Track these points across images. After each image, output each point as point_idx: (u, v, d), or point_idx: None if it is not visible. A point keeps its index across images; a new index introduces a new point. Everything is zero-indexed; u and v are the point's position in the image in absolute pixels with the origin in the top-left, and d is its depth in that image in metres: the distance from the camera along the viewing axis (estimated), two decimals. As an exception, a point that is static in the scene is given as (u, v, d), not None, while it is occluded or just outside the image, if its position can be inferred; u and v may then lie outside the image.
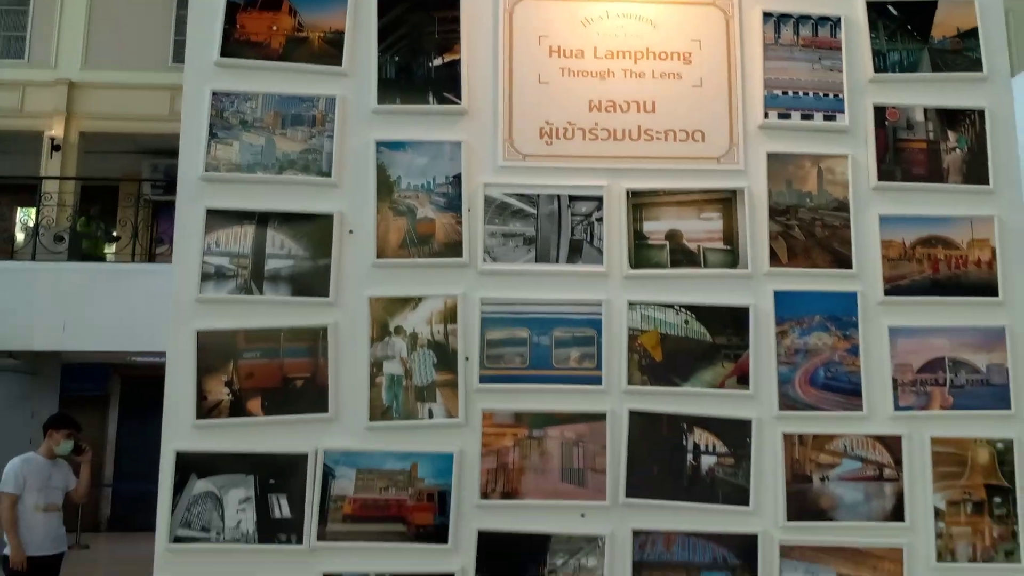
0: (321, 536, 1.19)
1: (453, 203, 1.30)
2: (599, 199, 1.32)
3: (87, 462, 5.40)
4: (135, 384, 11.80)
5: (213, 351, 1.21)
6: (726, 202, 1.33)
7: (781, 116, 1.35)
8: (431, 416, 1.24)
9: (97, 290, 8.30)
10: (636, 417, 1.27)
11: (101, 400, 11.43)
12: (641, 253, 1.32)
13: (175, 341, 1.21)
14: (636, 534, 1.23)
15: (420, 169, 1.31)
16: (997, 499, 1.28)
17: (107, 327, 8.33)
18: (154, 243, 10.81)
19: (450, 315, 1.26)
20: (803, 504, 1.26)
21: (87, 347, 8.59)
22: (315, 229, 1.25)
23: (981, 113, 1.36)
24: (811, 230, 1.33)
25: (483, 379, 1.26)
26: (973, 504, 1.28)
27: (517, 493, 1.24)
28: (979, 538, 1.27)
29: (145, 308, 8.22)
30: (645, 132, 1.35)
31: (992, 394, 1.30)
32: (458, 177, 1.31)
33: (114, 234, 10.13)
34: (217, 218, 1.24)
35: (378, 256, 1.27)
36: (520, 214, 1.32)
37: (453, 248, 1.28)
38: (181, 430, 1.20)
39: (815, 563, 1.25)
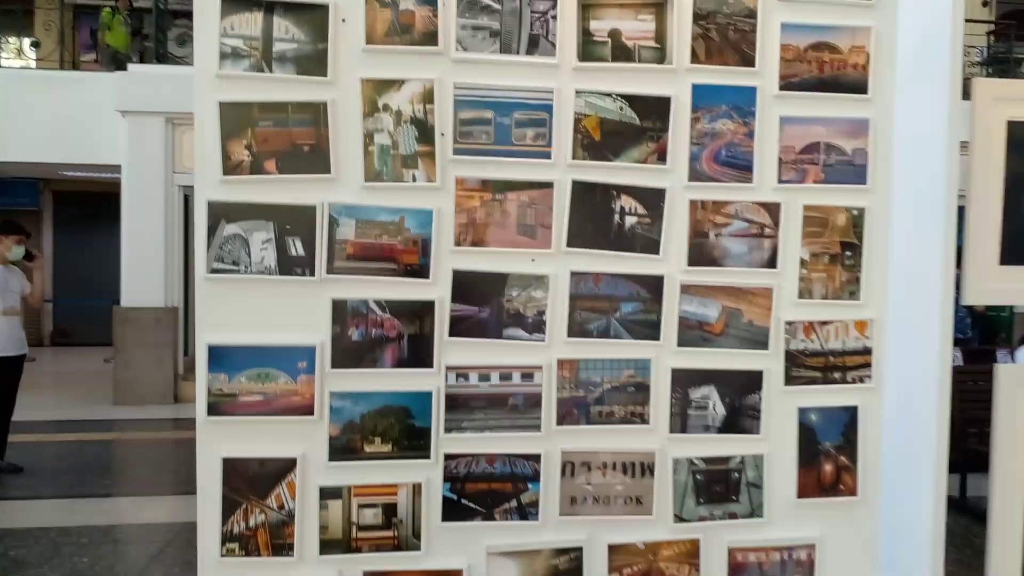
0: (330, 271, 1.51)
1: (430, -1, 1.53)
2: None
3: (39, 268, 5.59)
4: (68, 199, 11.65)
5: (233, 119, 1.45)
6: (659, 6, 1.59)
7: (710, -68, 1.59)
8: (415, 180, 1.53)
9: (24, 98, 8.03)
10: (577, 185, 1.58)
11: (34, 215, 11.30)
12: (587, 48, 1.58)
13: (201, 111, 1.44)
14: (573, 273, 1.59)
15: (400, -34, 1.52)
16: (848, 253, 1.68)
17: (36, 137, 8.15)
18: (78, 50, 10.28)
19: (428, 96, 1.52)
20: (700, 253, 1.63)
21: (16, 158, 8.42)
22: (314, 17, 1.47)
23: (874, -64, 1.62)
24: (725, 33, 1.61)
25: (456, 151, 1.54)
26: (830, 256, 1.67)
27: (483, 242, 1.56)
28: (831, 282, 1.67)
29: (77, 118, 8.04)
30: (594, -58, 1.57)
31: (854, 172, 1.66)
32: (433, -24, 1.52)
33: (33, 41, 9.60)
34: (230, 5, 1.44)
35: (367, 43, 1.50)
36: (487, 9, 1.55)
37: (430, 37, 1.52)
38: (210, 184, 1.47)
39: (707, 298, 1.64)
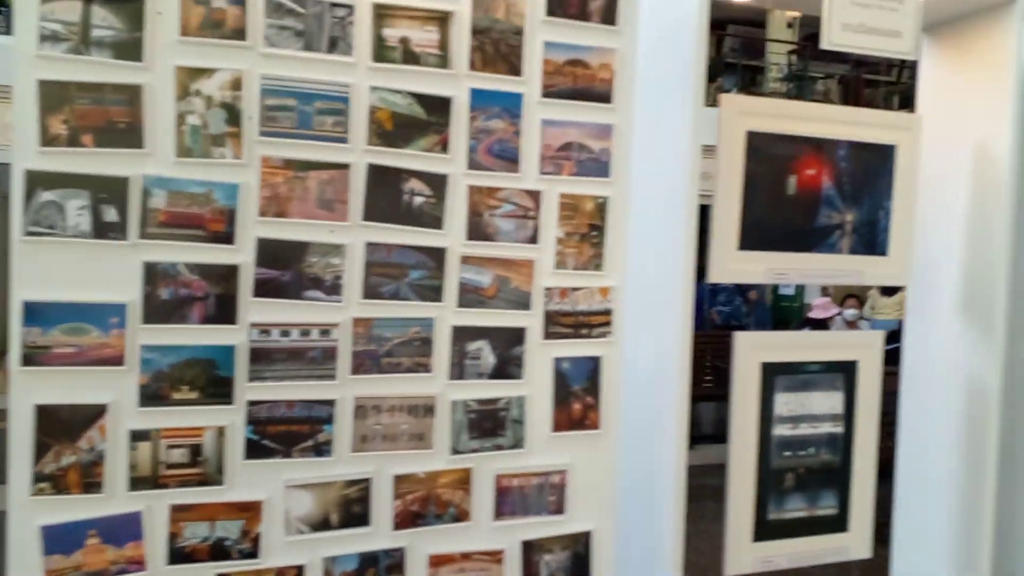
0: (142, 236, 1.69)
1: (240, -1, 1.73)
2: (351, 7, 1.81)
3: None
4: None
5: (52, 96, 1.59)
6: (442, 20, 1.88)
7: (485, -39, 1.90)
8: (223, 157, 1.74)
9: None
10: (372, 168, 1.85)
11: None
12: (381, 51, 1.84)
13: (21, 87, 1.58)
14: (368, 244, 1.86)
15: (212, -32, 1.72)
16: (595, 233, 2.05)
17: None
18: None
19: (237, 84, 1.73)
20: (477, 230, 1.94)
21: None
22: (131, 8, 1.64)
23: (618, -23, 2.00)
24: (498, 47, 1.93)
25: (262, 133, 1.76)
26: (580, 235, 2.03)
27: (286, 214, 1.79)
28: (581, 256, 2.04)
29: None
30: (388, -40, 1.84)
31: (600, 168, 2.04)
32: (243, -22, 1.73)
33: None
34: (48, -9, 1.59)
35: (181, 34, 1.69)
36: (292, 12, 1.78)
37: (239, 33, 1.73)
38: (28, 155, 1.60)
39: (481, 267, 1.96)
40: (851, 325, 5.98)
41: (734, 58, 9.29)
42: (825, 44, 2.31)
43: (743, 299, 7.25)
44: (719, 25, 9.66)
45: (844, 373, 2.50)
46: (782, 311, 7.93)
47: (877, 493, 2.74)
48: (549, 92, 1.97)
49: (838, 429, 2.49)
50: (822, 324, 5.98)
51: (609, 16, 2.00)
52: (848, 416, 2.49)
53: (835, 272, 2.50)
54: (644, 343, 2.38)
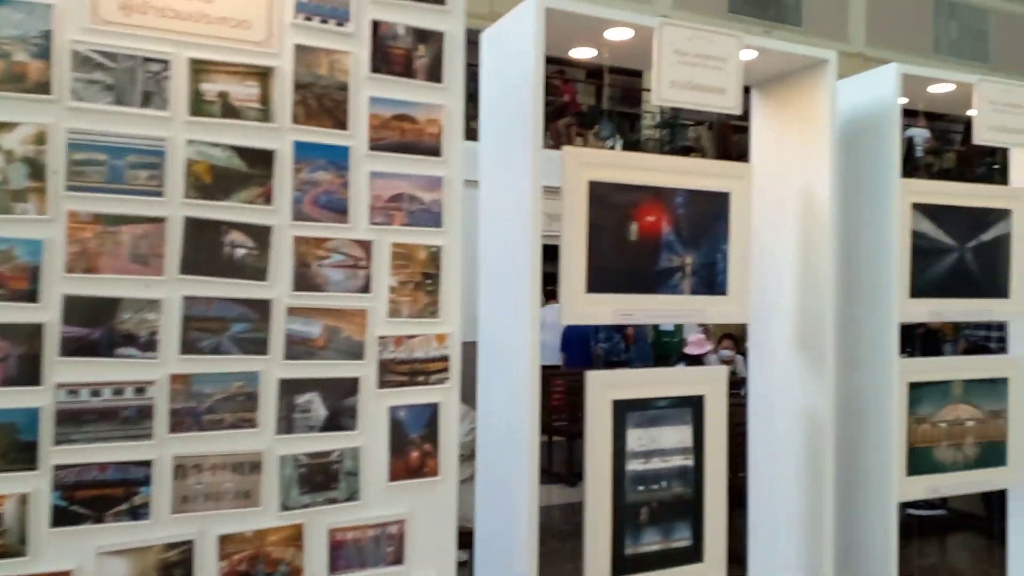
0: (-70, 295, 1.61)
1: (44, 53, 1.70)
2: (167, 62, 1.81)
3: None
4: None
5: None
6: (264, 75, 1.90)
7: (307, 18, 1.94)
8: (25, 213, 1.69)
9: None
10: (189, 220, 1.83)
11: None
12: (198, 105, 1.84)
13: None
14: (186, 298, 1.83)
15: (16, 23, 1.68)
16: (429, 281, 2.08)
17: None
18: None
19: (41, 139, 1.69)
20: (304, 280, 1.94)
21: None
22: (-83, 61, 1.59)
23: (443, 34, 2.07)
24: (322, 102, 1.95)
25: (69, 187, 1.72)
26: (414, 284, 2.05)
27: (96, 270, 1.74)
28: (416, 304, 2.06)
29: None
30: (205, 16, 1.85)
31: (432, 218, 2.07)
32: (49, 32, 1.71)
33: None
34: None
35: (-22, 88, 1.64)
36: (103, 67, 1.76)
37: (43, 87, 1.69)
38: None
39: (310, 318, 1.95)
40: (725, 364, 6.22)
41: (611, 106, 9.69)
42: (655, 100, 2.45)
43: (622, 336, 7.44)
44: (597, 74, 10.07)
45: (692, 407, 2.59)
46: (663, 346, 8.18)
47: (737, 521, 2.84)
48: (377, 145, 2.00)
49: (688, 462, 2.57)
50: (698, 360, 6.19)
51: (435, 74, 2.06)
52: (698, 449, 2.57)
53: (679, 311, 2.61)
54: (498, 386, 2.42)
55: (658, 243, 2.51)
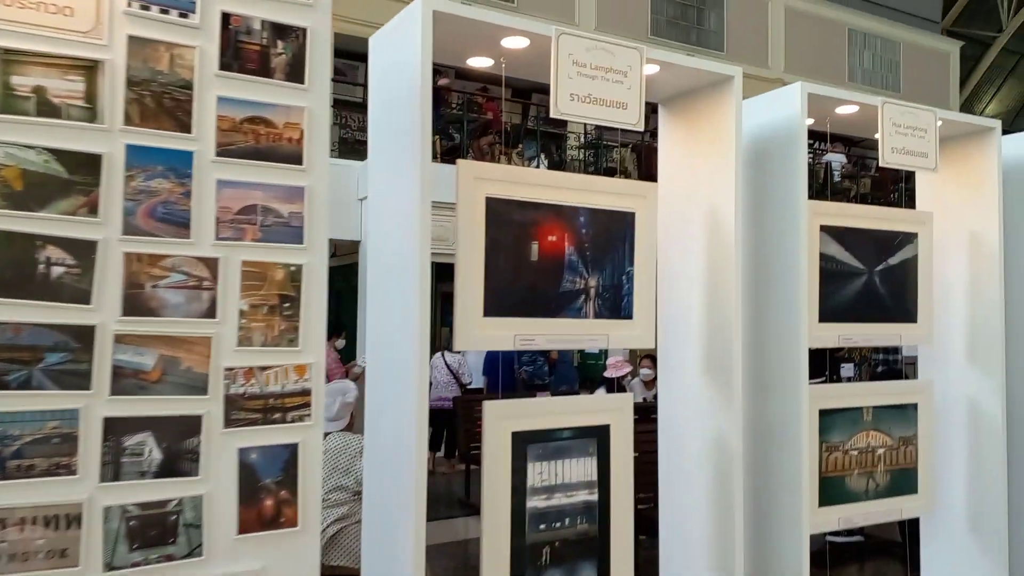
0: None
1: None
2: (-33, 51, 1.56)
3: None
4: None
5: None
6: (89, 69, 1.66)
7: (143, 7, 1.71)
8: None
9: None
10: (-6, 234, 1.57)
11: None
12: (9, 102, 1.59)
13: None
14: (-14, 324, 1.56)
15: None
16: (287, 304, 1.85)
17: None
18: None
19: None
20: (136, 304, 1.69)
21: None
22: None
23: (305, 30, 1.87)
24: (160, 100, 1.72)
25: None
26: (269, 307, 1.82)
27: None
28: (271, 330, 1.82)
29: None
30: (18, 0, 1.61)
31: (291, 233, 1.85)
32: None
33: None
34: None
35: None
36: None
37: None
38: None
39: (143, 347, 1.70)
40: (648, 385, 6.10)
41: (537, 125, 9.62)
42: (554, 113, 2.29)
43: (545, 359, 7.27)
44: (524, 94, 10.00)
45: (597, 438, 2.42)
46: (588, 368, 8.06)
47: (652, 552, 2.65)
48: (226, 151, 1.78)
49: (593, 497, 2.39)
50: (618, 383, 6.06)
51: (295, 73, 1.85)
52: (603, 483, 2.40)
53: (582, 336, 2.44)
54: (387, 415, 2.21)
55: (560, 264, 2.34)
